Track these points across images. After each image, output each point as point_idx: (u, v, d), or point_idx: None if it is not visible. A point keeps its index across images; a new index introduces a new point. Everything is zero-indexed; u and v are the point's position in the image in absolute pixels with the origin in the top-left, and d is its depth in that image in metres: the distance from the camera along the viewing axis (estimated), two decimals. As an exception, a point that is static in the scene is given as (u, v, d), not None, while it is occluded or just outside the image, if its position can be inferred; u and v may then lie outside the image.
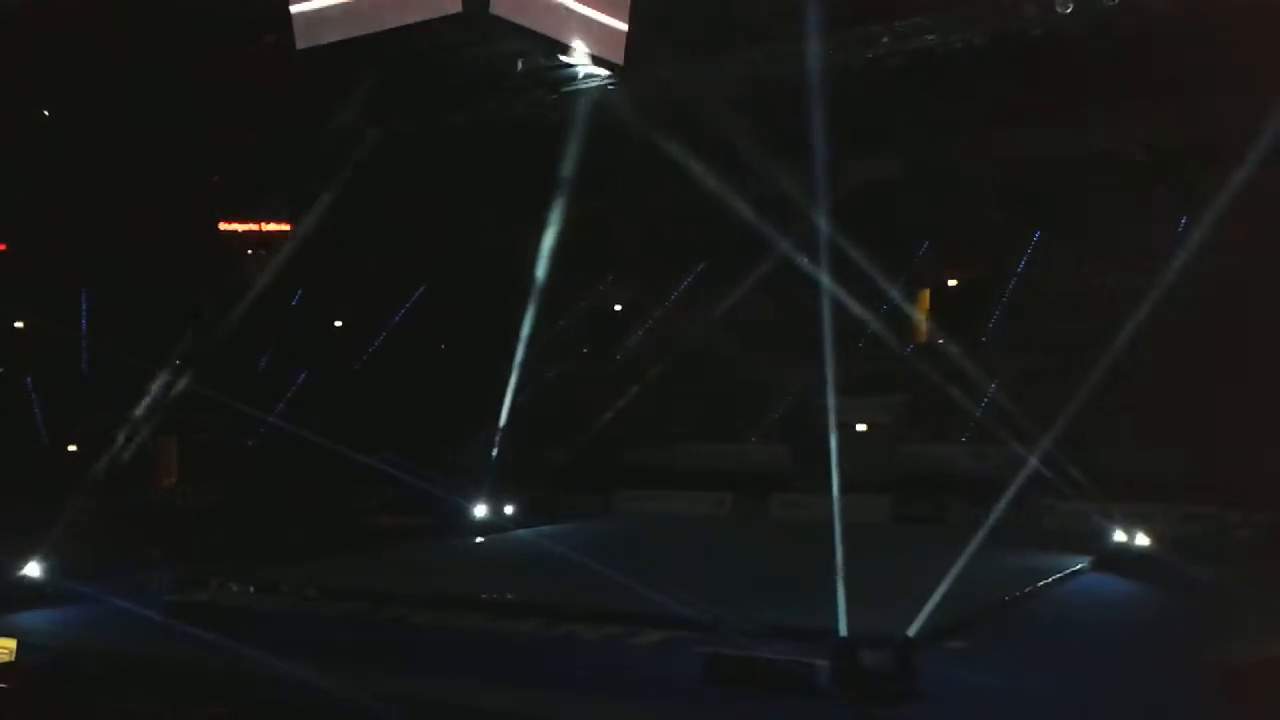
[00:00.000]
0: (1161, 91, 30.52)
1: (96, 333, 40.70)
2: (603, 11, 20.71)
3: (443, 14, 18.85)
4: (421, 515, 30.19)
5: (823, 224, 28.07)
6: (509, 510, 29.64)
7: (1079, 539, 23.46)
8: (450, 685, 14.11)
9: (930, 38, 26.54)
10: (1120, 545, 22.21)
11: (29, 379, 39.52)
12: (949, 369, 30.48)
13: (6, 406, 38.31)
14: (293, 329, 42.01)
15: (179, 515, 33.06)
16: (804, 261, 33.61)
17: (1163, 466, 26.29)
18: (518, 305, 35.85)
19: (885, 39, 26.78)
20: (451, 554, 26.53)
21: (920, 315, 37.66)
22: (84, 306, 41.70)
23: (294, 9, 20.22)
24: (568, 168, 32.78)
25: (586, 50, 21.25)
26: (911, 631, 14.23)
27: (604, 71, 24.55)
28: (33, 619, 17.66)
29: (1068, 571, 21.25)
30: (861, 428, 31.65)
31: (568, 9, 20.30)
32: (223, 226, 43.06)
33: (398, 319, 46.30)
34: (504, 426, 33.98)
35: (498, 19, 19.36)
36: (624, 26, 21.01)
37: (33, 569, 19.51)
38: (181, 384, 32.96)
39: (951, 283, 38.96)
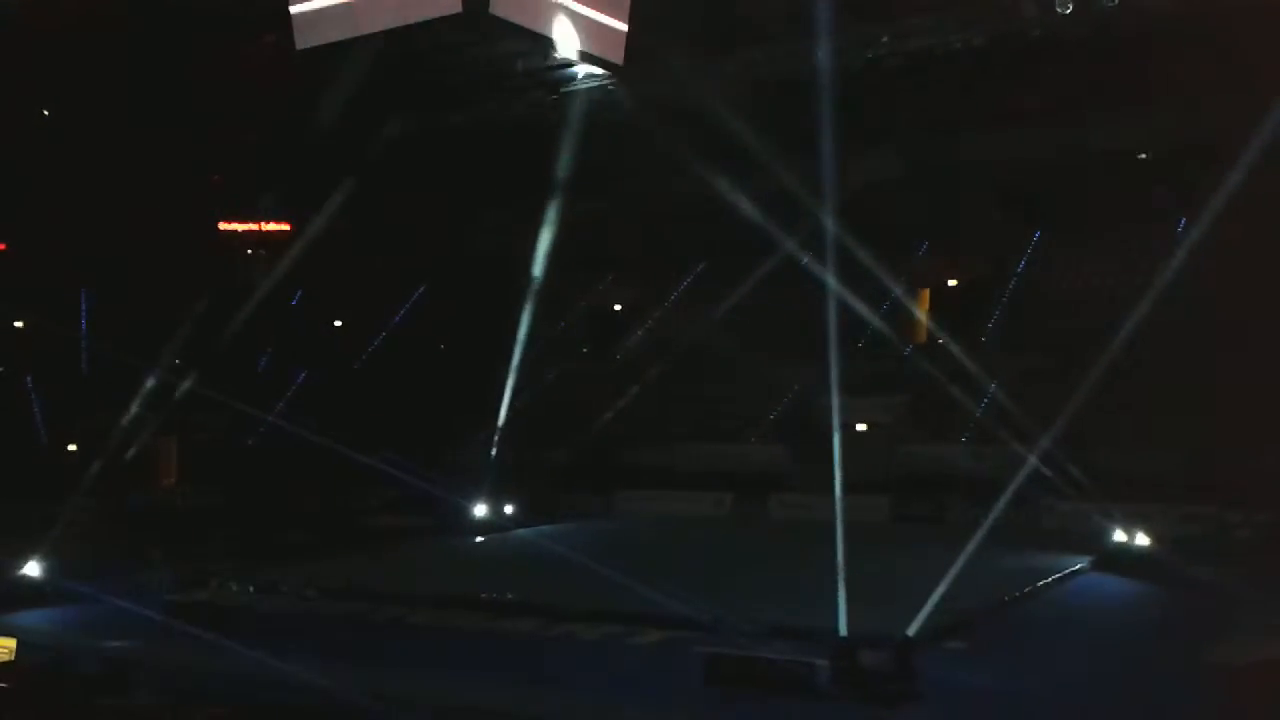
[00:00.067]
0: (1161, 91, 30.52)
1: (96, 333, 40.70)
2: (603, 11, 20.70)
3: (443, 14, 18.84)
4: (421, 515, 30.20)
5: (823, 224, 28.11)
6: (509, 510, 29.63)
7: (1079, 539, 23.46)
8: (450, 685, 14.11)
9: (930, 38, 26.60)
10: (1120, 545, 22.20)
11: (29, 379, 39.51)
12: (949, 369, 30.49)
13: (6, 406, 38.31)
14: (293, 329, 42.01)
15: (179, 515, 33.06)
16: (804, 262, 33.71)
17: (1163, 466, 26.28)
18: (518, 305, 35.85)
19: (885, 39, 26.84)
20: (451, 554, 26.54)
21: (920, 315, 37.67)
22: (84, 306, 41.70)
23: (294, 9, 20.21)
24: (568, 168, 32.79)
25: (586, 50, 21.24)
26: (911, 632, 14.22)
27: (604, 71, 24.56)
28: (33, 619, 17.66)
29: (1067, 572, 21.25)
30: (861, 428, 31.65)
31: (568, 9, 20.28)
32: (223, 226, 43.07)
33: (398, 319, 46.31)
34: (504, 426, 33.99)
35: (498, 19, 19.35)
36: (624, 26, 21.00)
37: (33, 569, 19.51)
38: (181, 384, 32.96)
39: (951, 283, 38.97)
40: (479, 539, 28.15)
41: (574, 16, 20.43)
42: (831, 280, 24.83)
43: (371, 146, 34.68)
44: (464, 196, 40.05)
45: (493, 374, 34.68)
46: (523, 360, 35.92)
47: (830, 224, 25.92)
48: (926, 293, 38.91)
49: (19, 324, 39.67)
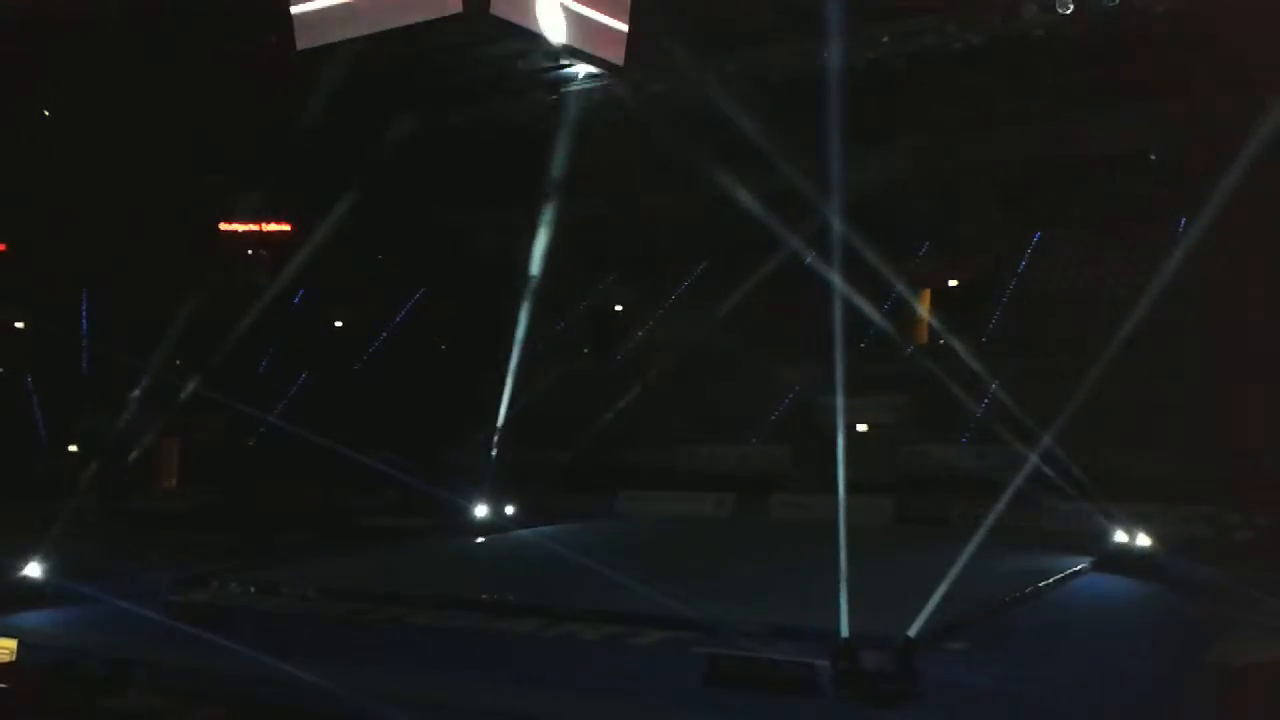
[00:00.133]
0: (1161, 91, 30.52)
1: (96, 333, 40.74)
2: (603, 11, 20.71)
3: (443, 15, 18.86)
4: (422, 515, 30.20)
5: (823, 225, 28.11)
6: (509, 510, 29.63)
7: (1079, 539, 23.44)
8: (450, 685, 14.10)
9: (931, 39, 26.60)
10: (1121, 546, 22.18)
11: (29, 379, 39.55)
12: (950, 369, 30.48)
13: (7, 406, 38.35)
14: (293, 330, 42.05)
15: (179, 515, 33.09)
16: (804, 262, 33.72)
17: (1163, 467, 26.28)
18: (518, 305, 35.86)
19: (886, 40, 26.85)
20: (451, 554, 26.52)
21: (921, 315, 37.67)
22: (84, 306, 41.74)
23: (294, 9, 20.25)
24: (568, 168, 32.80)
25: (587, 50, 21.26)
26: (912, 632, 14.21)
27: (604, 71, 24.57)
28: (34, 619, 17.64)
29: (1068, 572, 21.22)
30: (863, 428, 31.65)
31: (568, 9, 20.30)
32: (223, 226, 43.09)
33: (398, 319, 46.34)
34: (504, 427, 33.99)
35: (498, 19, 19.37)
36: (624, 27, 21.02)
37: (34, 569, 19.50)
38: (182, 384, 32.98)
39: (952, 283, 38.98)
40: (479, 539, 28.14)
41: (574, 17, 20.45)
42: (832, 281, 24.84)
43: (372, 147, 34.71)
44: (464, 197, 40.07)
45: (493, 374, 34.69)
46: (523, 360, 35.93)
47: (831, 224, 25.94)
48: (927, 293, 38.92)
49: (19, 324, 39.72)
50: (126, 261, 36.50)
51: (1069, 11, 24.69)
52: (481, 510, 28.98)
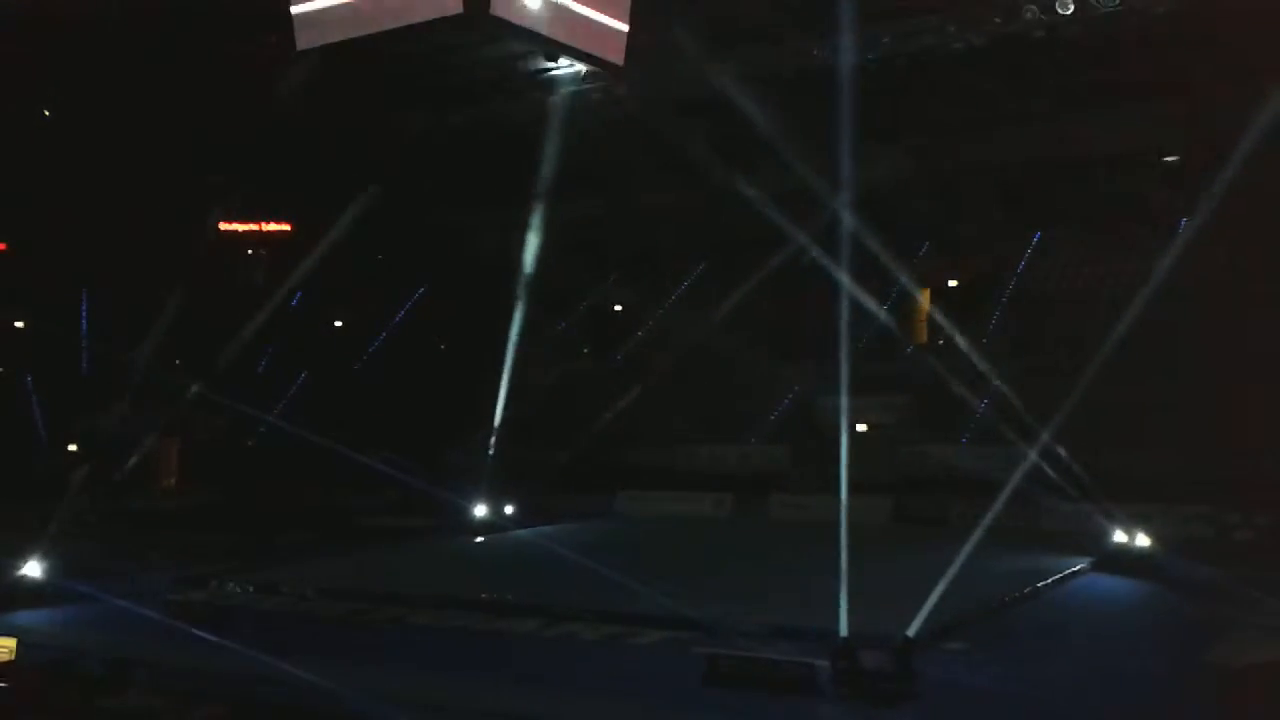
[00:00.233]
0: (1162, 92, 30.52)
1: (96, 333, 40.74)
2: (603, 11, 20.69)
3: (444, 15, 18.84)
4: (421, 515, 30.20)
5: (824, 224, 28.12)
6: (509, 510, 29.63)
7: (1079, 539, 23.44)
8: (450, 685, 14.10)
9: (932, 39, 26.60)
10: (1120, 546, 22.18)
11: (29, 379, 39.54)
12: (950, 369, 30.48)
13: (7, 406, 38.34)
14: (293, 329, 42.04)
15: (179, 515, 33.08)
16: (804, 262, 33.70)
17: (1162, 467, 26.28)
18: (518, 305, 35.86)
19: (887, 40, 26.85)
20: (451, 554, 26.52)
21: (921, 315, 37.67)
22: (84, 306, 41.73)
23: (294, 9, 20.22)
24: (568, 168, 32.80)
25: (587, 50, 21.25)
26: (911, 632, 14.21)
27: (604, 71, 24.56)
28: (33, 618, 17.65)
29: (1068, 572, 21.23)
30: (863, 428, 31.66)
31: (568, 9, 20.28)
32: (223, 226, 43.07)
33: (398, 319, 46.33)
34: (504, 426, 33.99)
35: (498, 20, 19.35)
36: (624, 26, 20.99)
37: (33, 568, 19.51)
38: (182, 384, 32.98)
39: (952, 283, 38.98)
40: (479, 539, 28.14)
41: (574, 17, 20.43)
42: (832, 281, 24.85)
43: (372, 147, 34.74)
44: (464, 197, 40.06)
45: (493, 374, 34.69)
46: (523, 360, 35.91)
47: (830, 224, 25.94)
48: (927, 293, 38.93)
49: (19, 324, 39.71)
50: (126, 261, 36.48)
51: (1069, 12, 24.71)
52: (481, 510, 28.98)
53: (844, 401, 22.62)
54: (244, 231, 44.19)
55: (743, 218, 34.20)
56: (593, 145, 32.16)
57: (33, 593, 19.07)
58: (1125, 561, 21.60)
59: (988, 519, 20.41)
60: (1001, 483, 21.75)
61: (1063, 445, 24.50)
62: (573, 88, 29.76)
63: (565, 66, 27.80)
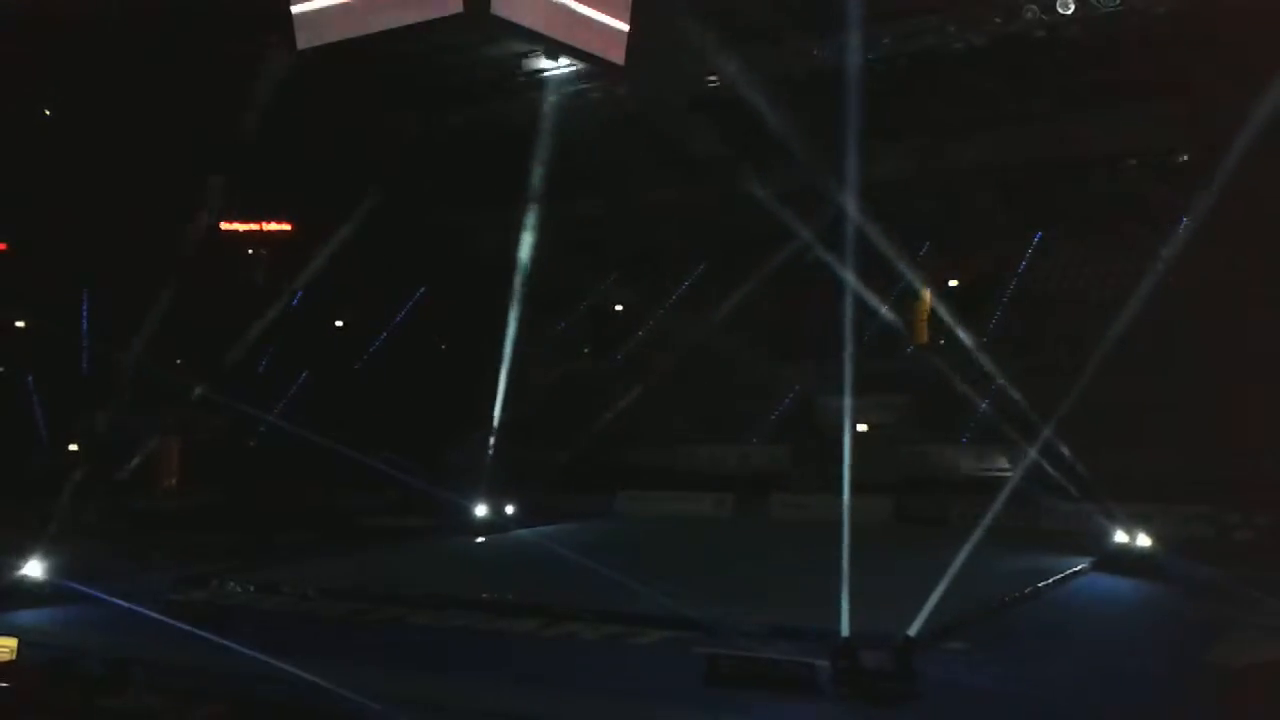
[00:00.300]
0: (1162, 92, 30.51)
1: (96, 333, 40.74)
2: (603, 11, 20.69)
3: (444, 14, 18.84)
4: (422, 515, 30.21)
5: (823, 224, 28.13)
6: (509, 510, 29.64)
7: (1079, 539, 23.44)
8: (450, 685, 14.11)
9: (932, 39, 26.60)
10: (1121, 546, 22.19)
11: (29, 378, 39.55)
12: (950, 369, 30.49)
13: (7, 406, 38.33)
14: (294, 329, 42.04)
15: (180, 515, 33.08)
16: (805, 262, 33.68)
17: (1163, 467, 26.28)
18: (518, 305, 35.86)
19: (887, 40, 26.85)
20: (451, 554, 26.53)
21: (921, 316, 37.64)
22: (84, 306, 41.73)
23: (294, 9, 20.23)
24: (568, 167, 32.81)
25: (587, 50, 21.25)
26: (912, 632, 14.22)
27: (604, 71, 24.56)
28: (34, 618, 17.66)
29: (1068, 572, 21.23)
30: (863, 428, 31.69)
31: (569, 9, 20.28)
32: (223, 226, 43.06)
33: (398, 319, 46.33)
34: (505, 427, 33.99)
35: (498, 19, 19.36)
36: (625, 26, 21.00)
37: (34, 568, 19.52)
38: (182, 384, 32.98)
39: (953, 283, 38.96)
40: (479, 539, 28.15)
41: (575, 16, 20.43)
42: (832, 280, 24.87)
43: (372, 147, 34.73)
44: (464, 197, 40.09)
45: (493, 374, 34.70)
46: (523, 360, 35.91)
47: (832, 224, 25.93)
48: (928, 293, 38.90)
49: (19, 324, 39.71)
50: (127, 261, 36.47)
51: (1070, 12, 24.71)
52: (481, 510, 28.99)
53: (847, 401, 22.63)
54: (244, 231, 44.17)
55: (743, 217, 34.24)
56: (593, 145, 32.17)
57: (33, 592, 19.09)
58: (1125, 561, 21.60)
59: (988, 519, 20.41)
60: (1002, 482, 21.77)
61: (1063, 445, 24.52)
62: (572, 87, 29.77)
63: (565, 66, 27.80)
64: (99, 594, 18.18)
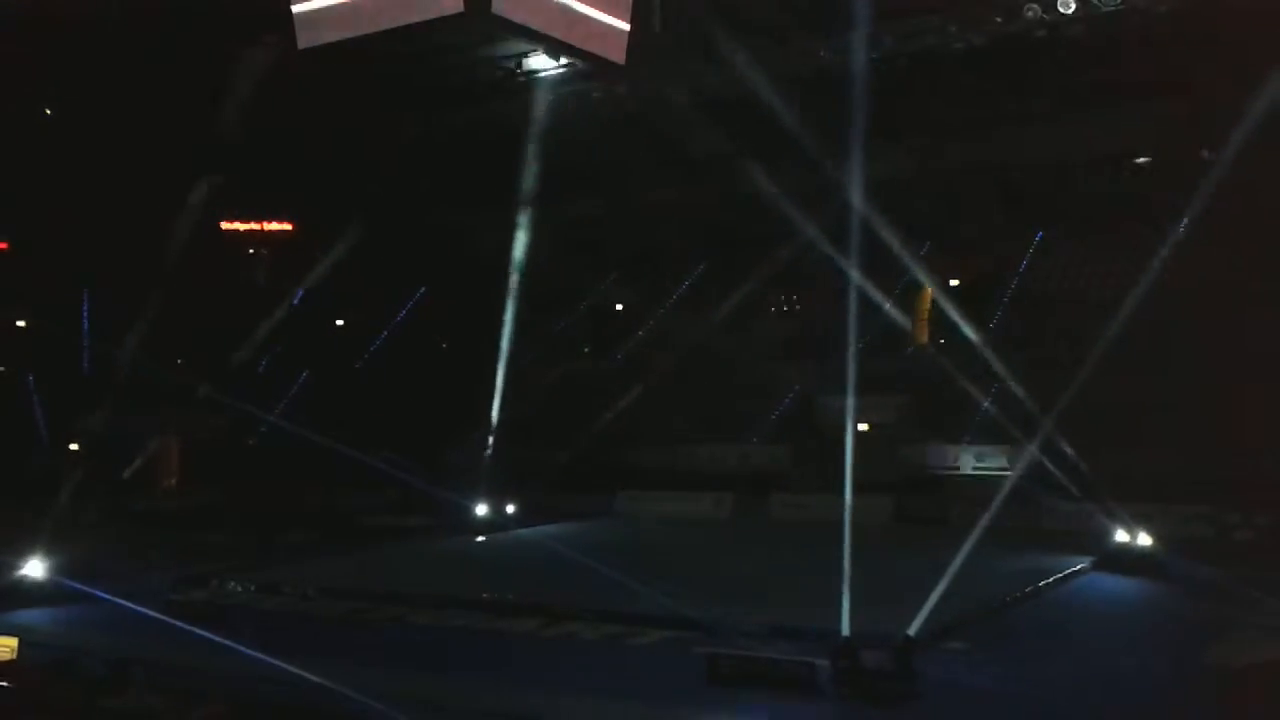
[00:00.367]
0: (1163, 92, 30.49)
1: (96, 333, 40.73)
2: (604, 11, 20.69)
3: (444, 14, 18.84)
4: (422, 515, 30.21)
5: (824, 224, 28.12)
6: (509, 510, 29.65)
7: (1079, 539, 23.44)
8: (450, 685, 14.12)
9: (933, 39, 26.58)
10: (1121, 546, 22.19)
11: (29, 378, 39.54)
12: (950, 369, 30.48)
13: (7, 406, 38.33)
14: (294, 329, 42.03)
15: (180, 515, 33.08)
16: (805, 261, 33.66)
17: (1163, 466, 26.28)
18: (518, 305, 35.86)
19: (888, 40, 26.84)
20: (451, 554, 26.53)
21: (922, 315, 37.63)
22: (84, 306, 41.72)
23: (294, 9, 20.23)
24: (568, 167, 32.80)
25: (587, 50, 21.25)
26: (912, 631, 14.22)
27: (604, 71, 24.55)
28: (34, 617, 17.67)
29: (1068, 572, 21.23)
30: (863, 428, 31.69)
31: (569, 9, 20.28)
32: (224, 226, 43.07)
33: (398, 319, 46.32)
34: (505, 426, 34.00)
35: (499, 19, 19.35)
36: (625, 26, 20.99)
37: (34, 568, 19.52)
38: (183, 384, 32.98)
39: (953, 283, 38.96)
40: (479, 539, 28.15)
41: (575, 16, 20.43)
42: (834, 280, 24.87)
43: (372, 147, 34.73)
44: (464, 197, 40.11)
45: (493, 374, 34.71)
46: (523, 360, 35.88)
47: (832, 223, 25.92)
48: (928, 293, 38.89)
49: (19, 324, 39.70)
50: (127, 261, 36.46)
51: (1071, 11, 24.70)
52: (481, 510, 28.99)
53: (850, 401, 22.62)
54: (245, 231, 44.16)
55: (743, 217, 34.22)
56: (593, 144, 32.15)
57: (34, 592, 19.09)
58: (1126, 561, 21.61)
59: (988, 519, 20.41)
60: (1002, 482, 21.77)
61: (1063, 445, 24.51)
62: (572, 87, 29.76)
63: (564, 65, 27.80)
64: (99, 594, 18.17)
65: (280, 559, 24.30)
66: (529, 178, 33.25)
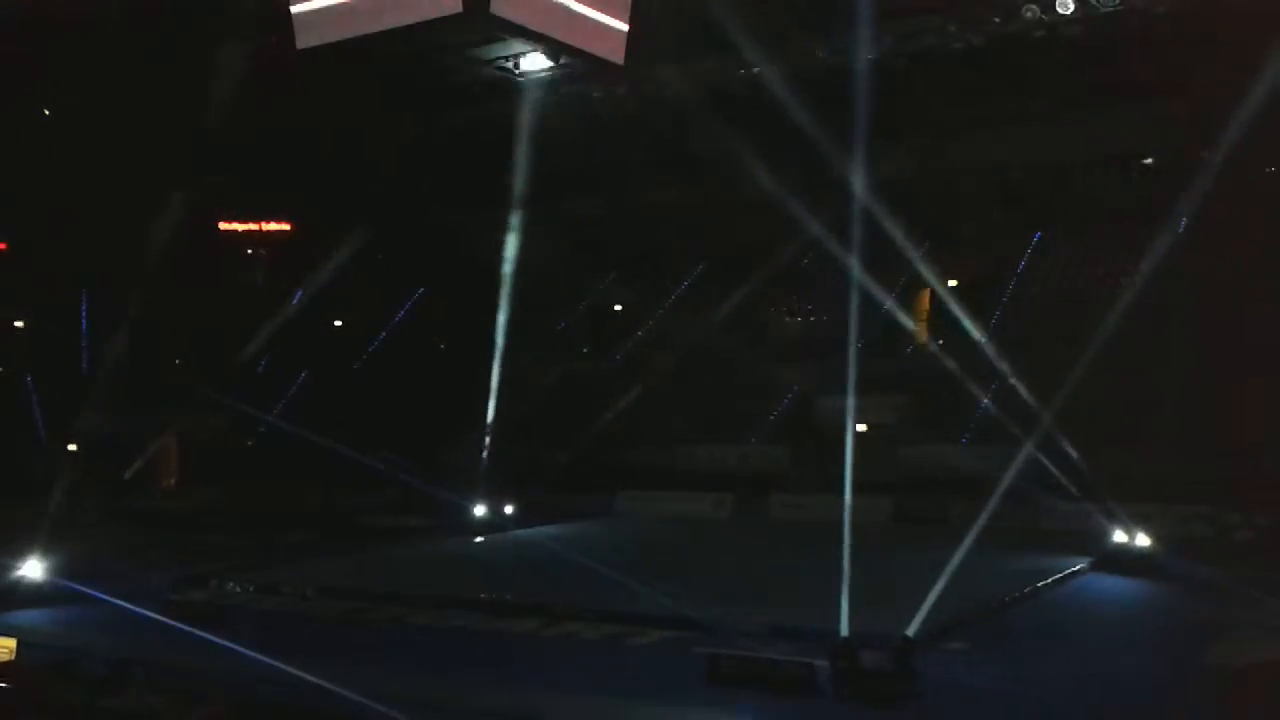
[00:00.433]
0: (1162, 92, 30.50)
1: (97, 333, 40.72)
2: (603, 11, 20.70)
3: (443, 14, 18.85)
4: (421, 515, 30.20)
5: (824, 224, 28.13)
6: (509, 510, 29.64)
7: (1079, 539, 23.44)
8: (450, 685, 14.11)
9: (932, 39, 26.58)
10: (1120, 546, 22.18)
11: (29, 379, 39.53)
12: (950, 369, 30.49)
13: (6, 406, 38.31)
14: (293, 329, 42.03)
15: (180, 515, 33.08)
16: (805, 261, 33.68)
17: (1162, 466, 26.29)
18: (517, 305, 35.87)
19: (887, 40, 26.84)
20: (451, 554, 26.53)
21: (921, 316, 37.65)
22: (84, 306, 41.71)
23: (294, 9, 20.24)
24: (567, 167, 32.80)
25: (587, 50, 21.26)
26: (911, 632, 14.22)
27: (603, 71, 24.55)
28: (33, 618, 17.66)
29: (1067, 572, 21.22)
30: (863, 428, 31.69)
31: (568, 9, 20.29)
32: (222, 226, 43.07)
33: (398, 319, 46.31)
34: (504, 426, 34.00)
35: (498, 19, 19.37)
36: (624, 26, 21.00)
37: (33, 568, 19.51)
38: (182, 384, 32.99)
39: (952, 283, 38.97)
40: (479, 539, 28.15)
41: (574, 16, 20.44)
42: (834, 280, 24.87)
43: (372, 147, 34.73)
44: (464, 197, 40.11)
45: (493, 375, 34.71)
46: (523, 360, 35.86)
47: (832, 223, 25.93)
48: (927, 293, 38.92)
49: (19, 324, 39.70)
50: (127, 261, 36.45)
51: (1070, 12, 24.71)
52: (481, 510, 28.99)
53: (850, 401, 22.60)
54: (244, 231, 44.16)
55: (743, 217, 34.21)
56: (593, 144, 32.15)
57: (33, 592, 19.08)
58: (1125, 561, 21.59)
59: (988, 519, 20.41)
60: (1002, 482, 21.77)
61: (1063, 445, 24.50)
62: (572, 87, 29.76)
63: (564, 65, 27.80)
64: (98, 594, 18.17)
65: (279, 559, 24.29)
66: (528, 178, 33.28)
